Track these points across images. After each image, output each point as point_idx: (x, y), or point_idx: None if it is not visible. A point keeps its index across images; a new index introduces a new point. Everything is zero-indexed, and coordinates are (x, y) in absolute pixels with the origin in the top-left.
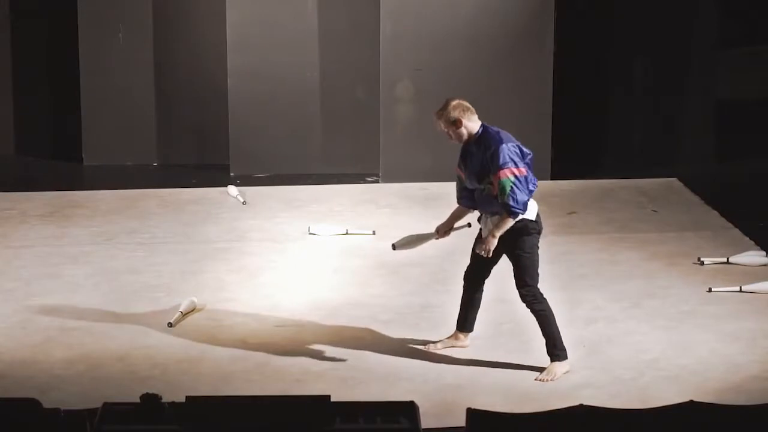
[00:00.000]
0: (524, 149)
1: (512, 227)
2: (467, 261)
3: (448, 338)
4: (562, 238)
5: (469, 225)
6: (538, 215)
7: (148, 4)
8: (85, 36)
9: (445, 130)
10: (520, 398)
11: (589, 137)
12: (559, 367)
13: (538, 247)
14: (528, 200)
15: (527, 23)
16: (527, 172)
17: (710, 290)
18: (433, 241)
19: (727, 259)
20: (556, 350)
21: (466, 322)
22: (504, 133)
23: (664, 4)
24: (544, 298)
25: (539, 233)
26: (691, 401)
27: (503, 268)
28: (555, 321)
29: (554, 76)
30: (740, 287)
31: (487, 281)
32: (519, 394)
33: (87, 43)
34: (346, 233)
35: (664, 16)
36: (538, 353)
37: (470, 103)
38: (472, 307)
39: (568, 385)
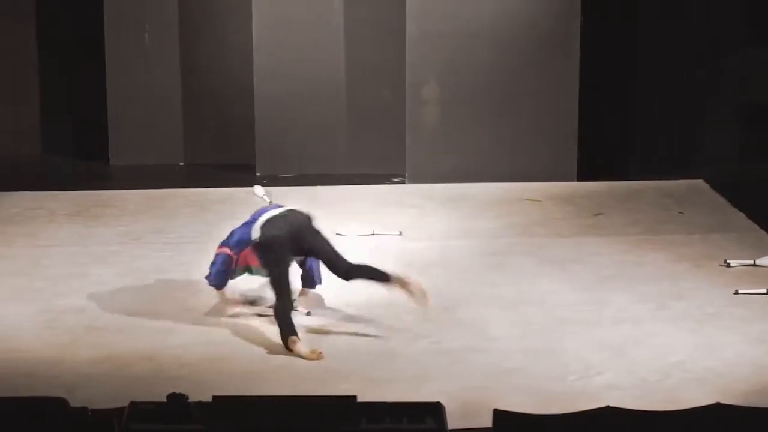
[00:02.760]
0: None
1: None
2: (494, 262)
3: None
4: (588, 239)
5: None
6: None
7: (173, 2)
8: (111, 35)
9: None
10: (547, 399)
11: (615, 138)
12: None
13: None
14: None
15: (553, 24)
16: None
17: (737, 292)
18: (459, 243)
19: (754, 261)
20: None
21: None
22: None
23: (690, 4)
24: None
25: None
26: (718, 403)
27: (528, 270)
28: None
29: (580, 77)
30: (766, 289)
31: (513, 283)
32: (545, 395)
33: (113, 42)
34: (372, 234)
35: (690, 15)
36: (565, 354)
37: (496, 103)
38: None
39: (595, 387)
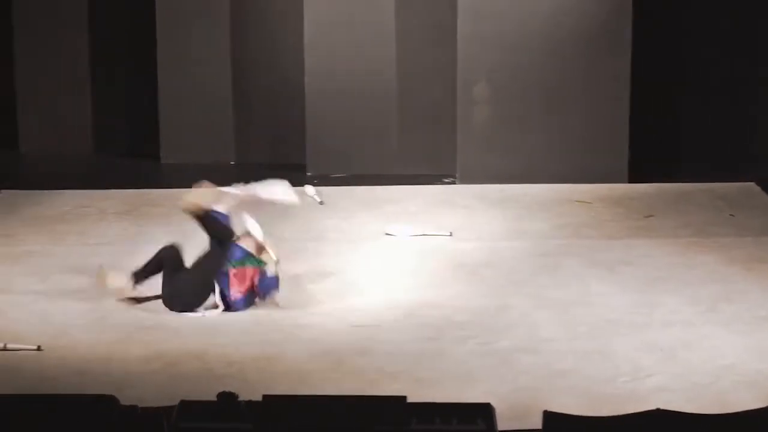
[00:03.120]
0: None
1: None
2: (544, 264)
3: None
4: (639, 241)
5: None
6: None
7: (225, 1)
8: (163, 34)
9: None
10: (596, 401)
11: (667, 140)
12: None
13: None
14: None
15: (605, 23)
16: None
17: None
18: (509, 244)
19: None
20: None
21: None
22: None
23: (742, 3)
24: None
25: None
26: None
27: (578, 271)
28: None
29: (631, 78)
30: None
31: (562, 285)
32: (595, 397)
33: (165, 40)
34: (423, 234)
35: (743, 15)
36: (616, 356)
37: (547, 104)
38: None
39: (645, 389)
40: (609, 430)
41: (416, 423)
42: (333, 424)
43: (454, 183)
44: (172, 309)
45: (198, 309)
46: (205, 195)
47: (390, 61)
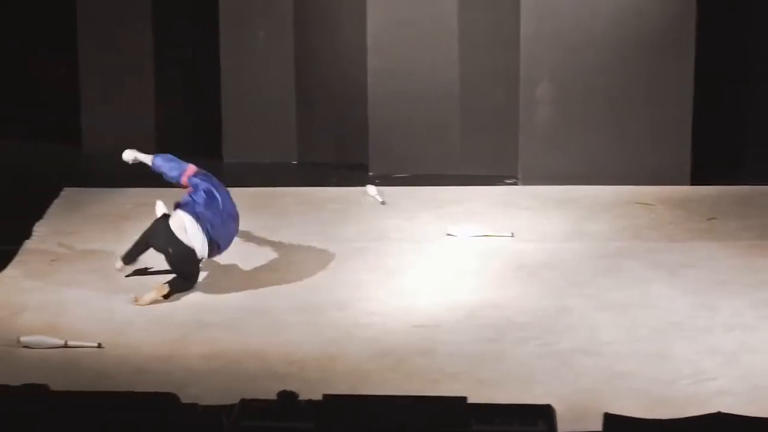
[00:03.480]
0: None
1: None
2: (605, 266)
3: None
4: (702, 243)
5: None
6: None
7: (288, 1)
8: (226, 33)
9: None
10: (657, 404)
11: (730, 142)
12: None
13: None
14: None
15: (668, 23)
16: None
17: None
18: (570, 246)
19: None
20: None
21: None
22: None
23: None
24: None
25: None
26: None
27: (639, 274)
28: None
29: (695, 78)
30: None
31: (623, 287)
32: (656, 400)
33: (227, 39)
34: (484, 235)
35: None
36: (677, 359)
37: (610, 104)
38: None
39: (706, 392)
40: None
41: (476, 424)
42: (393, 424)
43: (515, 184)
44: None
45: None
46: None
47: (452, 61)
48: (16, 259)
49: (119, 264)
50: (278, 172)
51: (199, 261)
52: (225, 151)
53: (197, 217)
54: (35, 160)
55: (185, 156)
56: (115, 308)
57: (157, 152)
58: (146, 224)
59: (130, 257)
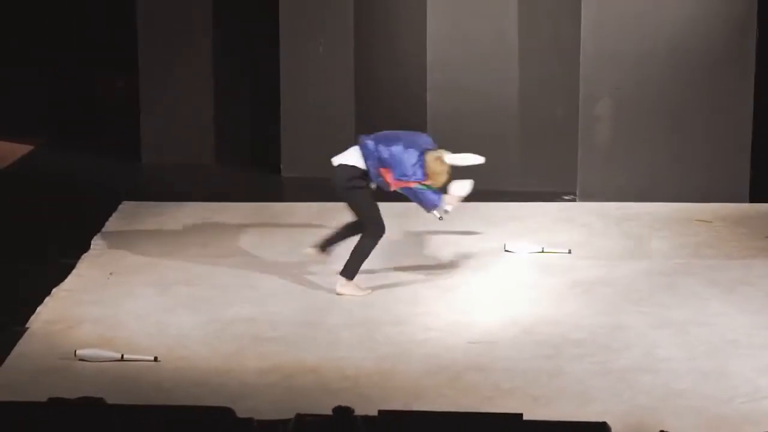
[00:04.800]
0: None
1: None
2: (662, 283)
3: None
4: (760, 261)
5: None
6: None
7: (349, 15)
8: (286, 46)
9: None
10: (714, 422)
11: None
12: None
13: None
14: None
15: (728, 40)
16: None
17: None
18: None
19: None
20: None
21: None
22: None
23: None
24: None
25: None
26: None
27: (697, 291)
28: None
29: (755, 96)
30: None
31: (681, 304)
32: (712, 418)
33: (288, 53)
34: (542, 251)
35: None
36: (734, 377)
37: (669, 122)
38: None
39: (763, 411)
40: None
41: None
42: None
43: (574, 200)
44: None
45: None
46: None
47: (512, 77)
48: (74, 272)
49: (311, 250)
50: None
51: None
52: (284, 166)
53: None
54: (94, 172)
55: (244, 169)
56: (171, 322)
57: (216, 164)
58: (204, 239)
59: (325, 245)
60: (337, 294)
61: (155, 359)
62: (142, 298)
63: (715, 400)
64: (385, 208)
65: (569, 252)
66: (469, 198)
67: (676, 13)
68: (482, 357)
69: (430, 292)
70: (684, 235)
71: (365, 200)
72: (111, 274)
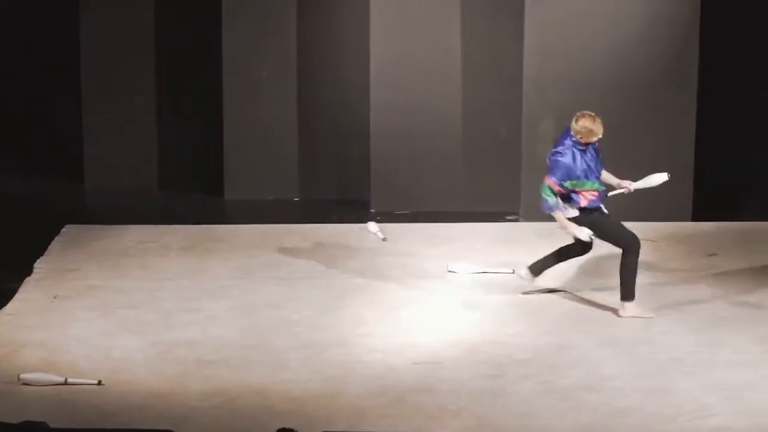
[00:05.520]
0: None
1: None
2: (607, 302)
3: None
4: (703, 280)
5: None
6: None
7: (292, 37)
8: (229, 70)
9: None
10: None
11: (732, 179)
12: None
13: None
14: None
15: (670, 63)
16: None
17: None
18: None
19: None
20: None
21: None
22: None
23: None
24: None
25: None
26: None
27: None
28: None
29: (697, 116)
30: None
31: (626, 323)
32: None
33: (231, 77)
34: (485, 271)
35: None
36: (679, 395)
37: (611, 142)
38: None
39: (708, 428)
40: None
41: None
42: None
43: (517, 220)
44: None
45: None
46: None
47: (455, 98)
48: (17, 295)
49: (524, 272)
50: (280, 208)
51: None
52: (227, 188)
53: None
54: (38, 196)
55: (187, 192)
56: (115, 345)
57: (160, 187)
58: (147, 261)
59: (537, 268)
60: (620, 316)
61: (99, 383)
62: (86, 322)
63: (660, 418)
64: (323, 229)
65: (512, 272)
66: (413, 218)
67: (619, 36)
68: (427, 378)
69: (374, 313)
70: None
71: (609, 225)
72: (55, 297)
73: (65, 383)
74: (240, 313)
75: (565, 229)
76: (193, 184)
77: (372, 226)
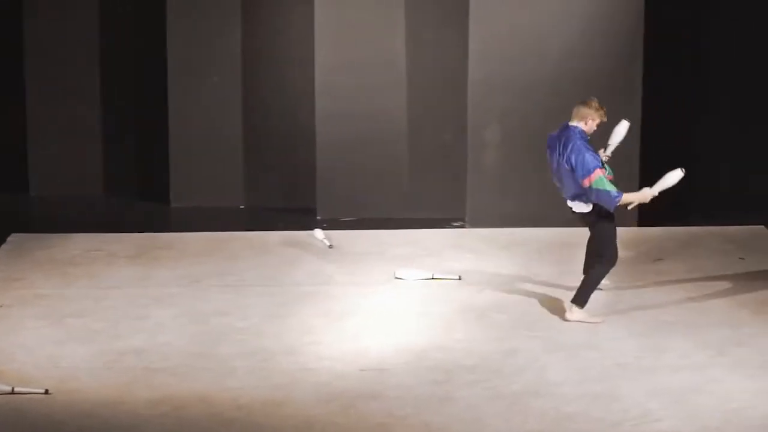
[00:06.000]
0: None
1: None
2: (553, 308)
3: None
4: (650, 284)
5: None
6: None
7: (236, 47)
8: (174, 78)
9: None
10: None
11: (677, 184)
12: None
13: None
14: None
15: (615, 68)
16: None
17: None
18: (517, 288)
19: None
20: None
21: None
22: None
23: (753, 47)
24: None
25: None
26: None
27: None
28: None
29: (641, 122)
30: None
31: (572, 329)
32: None
33: (176, 85)
34: (432, 278)
35: (753, 58)
36: (624, 400)
37: None
38: None
39: None
40: None
41: None
42: None
43: (463, 227)
44: None
45: None
46: None
47: (400, 105)
48: None
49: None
50: (226, 216)
51: None
52: (173, 196)
53: None
54: None
55: (133, 200)
56: (62, 354)
57: (106, 194)
58: (93, 270)
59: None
60: (565, 320)
61: (46, 392)
62: (33, 331)
63: (606, 423)
64: (269, 236)
65: (459, 278)
66: (359, 225)
67: (563, 42)
68: (374, 384)
69: (321, 321)
70: (573, 261)
71: (610, 230)
72: (1, 306)
73: (12, 392)
74: (187, 320)
75: (645, 201)
76: (140, 192)
77: (318, 233)
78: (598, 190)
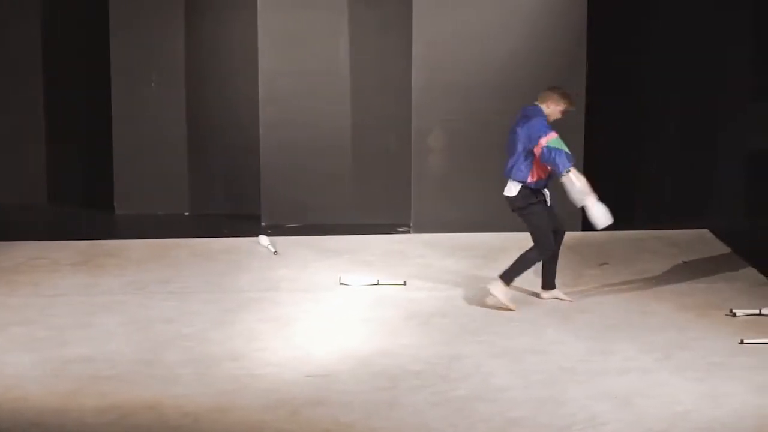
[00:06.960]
0: None
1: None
2: (498, 312)
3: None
4: (594, 288)
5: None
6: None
7: (180, 53)
8: (118, 84)
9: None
10: None
11: (621, 188)
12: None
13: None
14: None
15: (558, 74)
16: None
17: (742, 342)
18: (463, 293)
19: (760, 310)
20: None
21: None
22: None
23: (696, 57)
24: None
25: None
26: None
27: (533, 319)
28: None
29: (585, 126)
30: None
31: (517, 333)
32: None
33: (119, 91)
34: (377, 283)
35: (696, 69)
36: (571, 404)
37: (501, 152)
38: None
39: None
40: None
41: None
42: None
43: (408, 232)
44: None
45: None
46: None
47: (344, 111)
48: None
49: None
50: (171, 223)
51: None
52: (117, 203)
53: None
54: None
55: (76, 208)
56: (7, 362)
57: (49, 202)
58: (37, 278)
59: (548, 282)
60: (490, 293)
61: None
62: None
63: (553, 428)
64: (213, 243)
65: (404, 283)
66: (304, 231)
67: (507, 48)
68: (320, 390)
69: (266, 327)
70: None
71: (541, 219)
72: None
73: None
74: (133, 328)
75: (582, 191)
76: (84, 199)
77: (263, 239)
78: (554, 150)
